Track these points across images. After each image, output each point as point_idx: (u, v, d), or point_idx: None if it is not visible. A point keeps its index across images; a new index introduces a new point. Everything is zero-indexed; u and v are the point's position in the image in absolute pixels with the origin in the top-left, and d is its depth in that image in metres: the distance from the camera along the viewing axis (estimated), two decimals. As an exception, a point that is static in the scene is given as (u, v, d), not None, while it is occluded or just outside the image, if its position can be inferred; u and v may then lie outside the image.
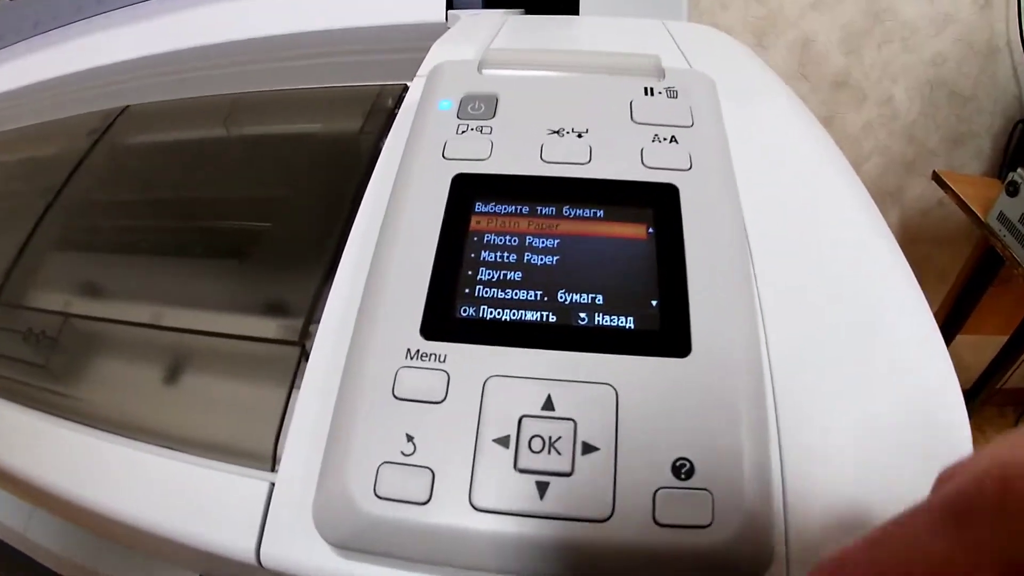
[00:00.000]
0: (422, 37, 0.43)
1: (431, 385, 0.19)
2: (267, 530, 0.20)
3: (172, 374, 0.22)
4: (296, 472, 0.20)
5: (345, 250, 0.24)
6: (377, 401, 0.19)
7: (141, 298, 0.24)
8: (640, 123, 0.24)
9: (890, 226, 0.24)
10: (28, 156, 0.34)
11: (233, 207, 0.27)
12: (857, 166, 0.82)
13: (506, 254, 0.21)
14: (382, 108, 0.29)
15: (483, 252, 0.21)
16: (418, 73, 0.30)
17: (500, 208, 0.22)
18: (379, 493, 0.17)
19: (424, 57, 0.32)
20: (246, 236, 0.26)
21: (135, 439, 0.22)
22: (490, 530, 0.17)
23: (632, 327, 0.19)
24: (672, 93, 0.25)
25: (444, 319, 0.20)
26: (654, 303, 0.19)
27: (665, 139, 0.23)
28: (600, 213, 0.21)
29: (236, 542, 0.20)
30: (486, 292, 0.20)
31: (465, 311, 0.20)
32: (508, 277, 0.20)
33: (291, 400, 0.22)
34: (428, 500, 0.17)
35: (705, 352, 0.19)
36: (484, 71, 0.26)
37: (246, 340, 0.23)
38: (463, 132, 0.24)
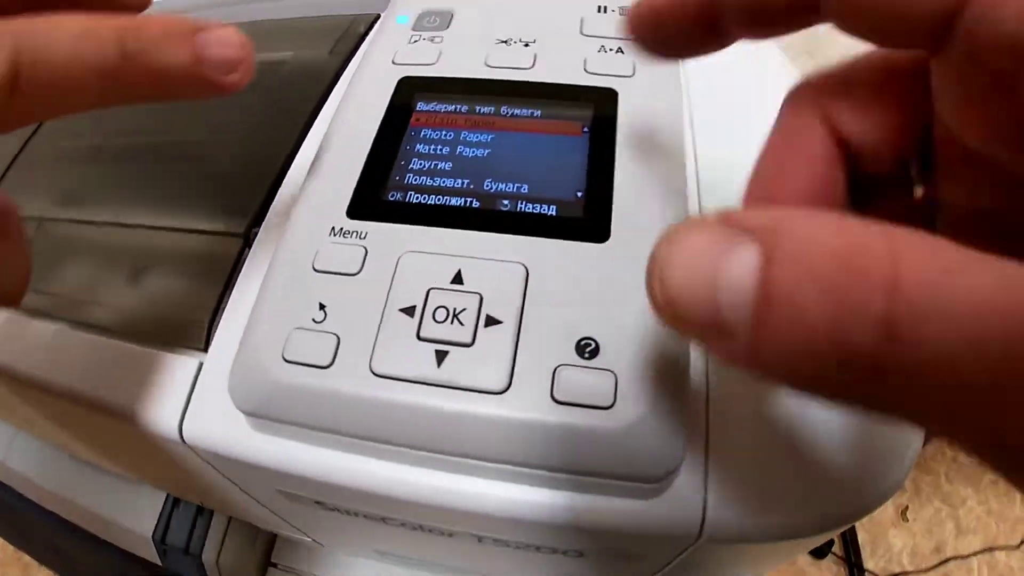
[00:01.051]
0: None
1: (349, 258, 0.19)
2: (191, 407, 0.20)
3: (128, 263, 0.23)
4: (225, 352, 0.20)
5: (299, 152, 0.25)
6: (297, 273, 0.19)
7: (104, 198, 0.26)
8: (588, 35, 0.24)
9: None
10: None
11: (196, 121, 0.28)
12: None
13: (439, 147, 0.21)
14: (354, 33, 0.30)
15: (418, 145, 0.21)
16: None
17: (440, 107, 0.22)
18: (286, 356, 0.18)
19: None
20: (207, 147, 0.27)
21: (81, 322, 0.23)
22: (385, 396, 0.17)
23: (553, 214, 0.19)
24: (624, 11, 0.25)
25: (370, 201, 0.20)
26: (579, 194, 0.19)
27: (611, 50, 0.23)
28: (537, 113, 0.21)
29: (161, 417, 0.20)
30: (415, 180, 0.20)
31: (392, 196, 0.20)
32: (438, 167, 0.20)
33: (230, 286, 0.22)
34: (331, 364, 0.17)
35: (624, 239, 0.18)
36: (445, -10, 0.26)
37: (195, 233, 0.23)
38: (415, 42, 0.24)
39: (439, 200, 0.20)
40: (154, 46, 0.14)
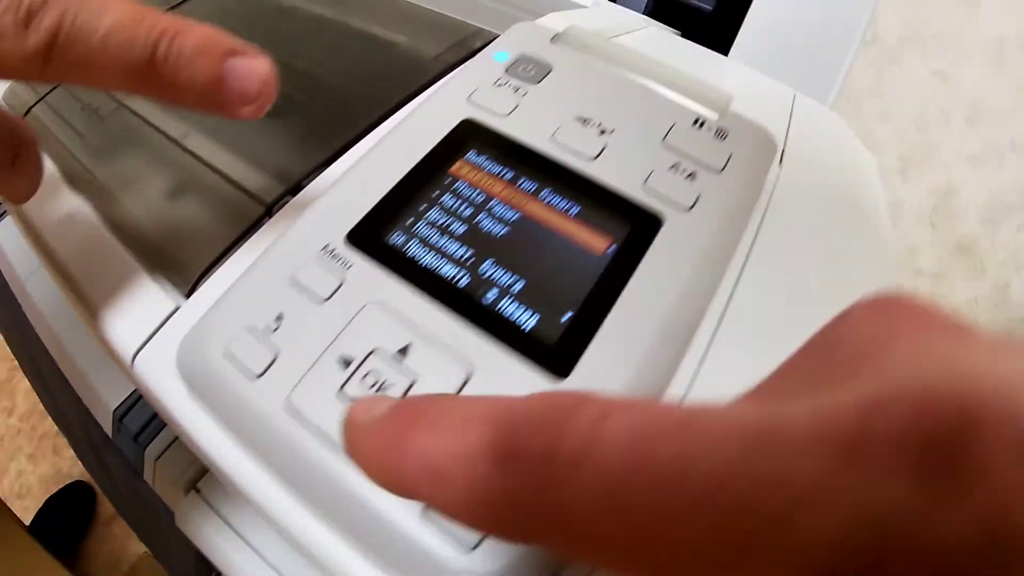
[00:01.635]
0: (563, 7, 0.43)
1: (324, 283, 0.19)
2: (151, 342, 0.21)
3: (165, 182, 0.25)
4: (202, 306, 0.21)
5: (354, 146, 0.25)
6: (276, 274, 0.19)
7: (179, 114, 0.27)
8: (669, 146, 0.22)
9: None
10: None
11: (292, 73, 0.28)
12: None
13: (464, 206, 0.20)
14: (466, 45, 0.29)
15: (445, 195, 0.21)
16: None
17: (486, 164, 0.21)
18: (228, 349, 0.18)
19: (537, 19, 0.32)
20: (287, 100, 0.27)
21: (101, 210, 0.24)
22: (286, 430, 0.17)
23: (528, 327, 0.18)
24: (721, 134, 0.23)
25: (371, 234, 0.20)
26: (566, 316, 0.18)
27: (683, 171, 0.21)
28: (573, 211, 0.20)
29: (122, 338, 0.21)
30: (424, 230, 0.20)
31: (394, 238, 0.20)
32: (451, 226, 0.20)
33: (234, 247, 0.23)
34: (259, 376, 0.18)
35: (583, 381, 0.17)
36: (556, 43, 0.25)
37: (229, 182, 0.24)
38: (499, 85, 0.23)
39: (433, 261, 0.19)
40: (184, 59, 0.14)
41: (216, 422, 0.19)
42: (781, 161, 0.28)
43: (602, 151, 0.22)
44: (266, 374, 0.18)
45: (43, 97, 0.29)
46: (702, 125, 0.23)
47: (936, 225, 0.94)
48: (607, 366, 0.17)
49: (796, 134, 0.31)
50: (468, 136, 0.22)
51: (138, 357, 0.21)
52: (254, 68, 0.15)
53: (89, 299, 0.22)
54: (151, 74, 0.14)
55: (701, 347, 0.20)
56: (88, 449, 0.43)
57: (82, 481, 0.97)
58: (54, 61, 0.13)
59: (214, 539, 0.25)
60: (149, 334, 0.21)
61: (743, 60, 0.45)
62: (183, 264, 0.22)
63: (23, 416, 1.07)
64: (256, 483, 0.18)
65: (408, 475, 0.10)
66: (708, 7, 0.48)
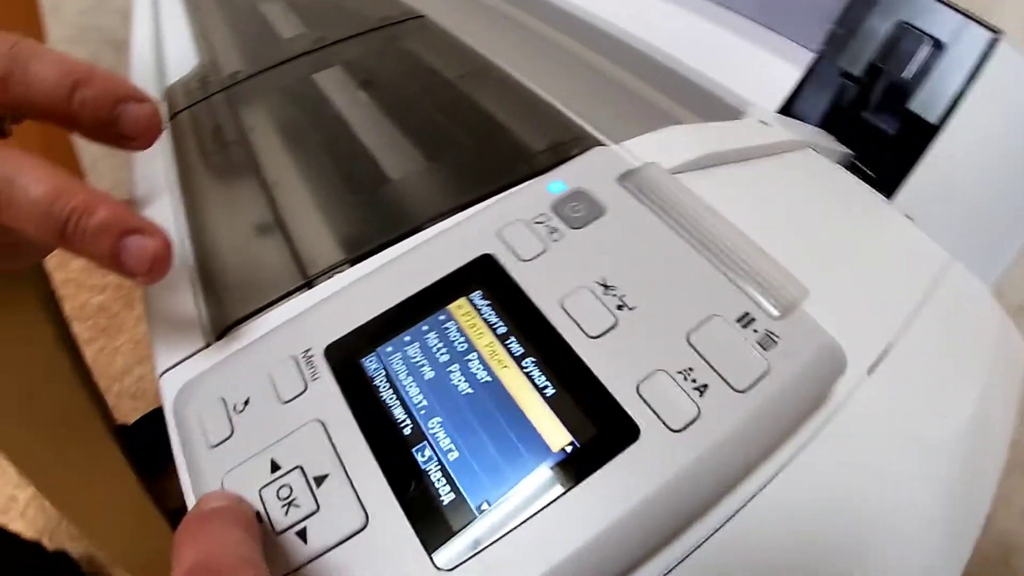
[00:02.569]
0: (712, 113, 0.39)
1: (289, 386, 0.20)
2: (176, 369, 0.24)
3: (243, 222, 0.28)
4: (218, 355, 0.24)
5: (401, 242, 0.25)
6: (259, 362, 0.21)
7: (283, 158, 0.30)
8: (692, 345, 0.19)
9: None
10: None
11: (394, 142, 0.30)
12: None
13: (444, 351, 0.20)
14: (565, 151, 0.28)
15: (431, 333, 0.20)
16: (624, 143, 0.28)
17: (486, 310, 0.21)
18: (200, 412, 0.20)
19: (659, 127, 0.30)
20: (373, 171, 0.29)
21: (194, 235, 0.28)
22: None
23: (440, 504, 0.17)
24: (767, 341, 0.19)
25: (346, 354, 0.20)
26: (480, 507, 0.17)
27: (693, 382, 0.19)
28: (548, 391, 0.19)
29: (160, 352, 0.25)
30: (395, 364, 0.20)
31: (366, 362, 0.20)
32: (422, 369, 0.20)
33: (268, 308, 0.25)
34: (212, 447, 0.19)
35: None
36: (623, 181, 0.23)
37: (289, 246, 0.26)
38: (536, 223, 0.22)
39: (388, 399, 0.19)
40: (88, 236, 0.18)
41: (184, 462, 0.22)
42: (874, 369, 0.23)
43: (609, 330, 0.20)
44: (218, 447, 0.19)
45: (190, 106, 0.34)
46: (748, 324, 0.20)
47: None
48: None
49: (922, 326, 0.25)
50: (480, 274, 0.21)
51: (163, 378, 0.24)
52: (145, 248, 0.19)
53: (150, 304, 0.26)
54: (63, 242, 0.19)
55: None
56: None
57: (192, 400, 1.10)
58: None
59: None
60: (176, 361, 0.24)
61: (912, 203, 0.38)
62: (224, 307, 0.25)
63: None
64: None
65: None
66: (889, 130, 0.41)
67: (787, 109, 0.45)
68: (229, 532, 0.16)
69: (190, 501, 0.21)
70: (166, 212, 0.30)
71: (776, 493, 0.19)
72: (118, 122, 0.20)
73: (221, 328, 0.25)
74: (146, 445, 0.94)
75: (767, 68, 0.44)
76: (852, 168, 0.42)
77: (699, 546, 0.19)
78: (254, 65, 0.35)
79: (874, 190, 0.37)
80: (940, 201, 0.39)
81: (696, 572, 0.18)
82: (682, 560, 0.18)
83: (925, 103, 0.42)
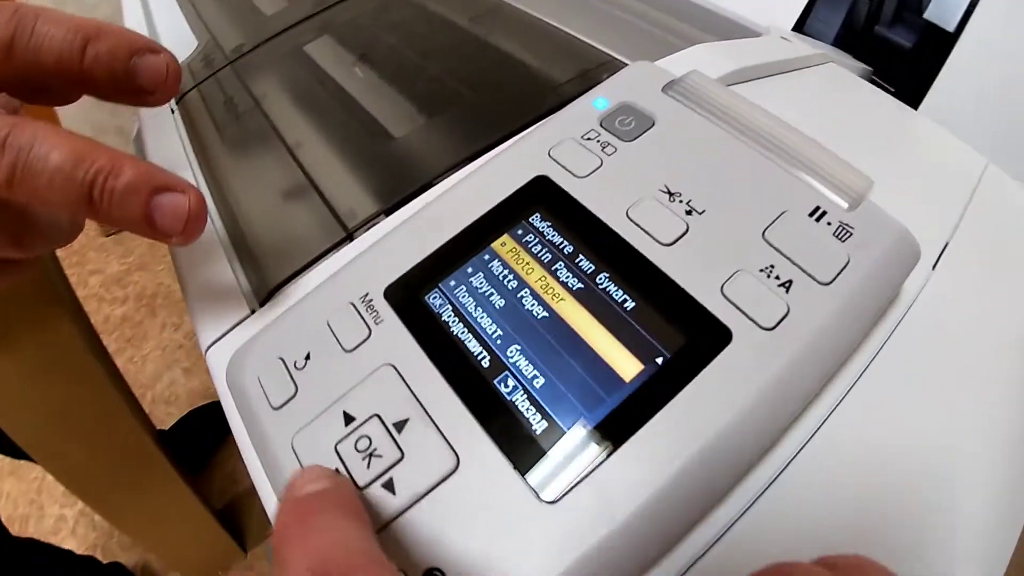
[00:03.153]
0: (730, 35, 0.38)
1: (353, 333, 0.19)
2: (223, 340, 0.23)
3: (271, 189, 0.27)
4: (266, 320, 0.23)
5: (444, 179, 0.24)
6: (315, 315, 0.20)
7: (302, 120, 0.29)
8: (769, 242, 0.18)
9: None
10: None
11: (416, 87, 0.29)
12: None
13: (511, 278, 0.19)
14: (594, 77, 0.27)
15: (494, 261, 0.19)
16: (657, 63, 0.27)
17: (549, 231, 0.19)
18: (260, 376, 0.19)
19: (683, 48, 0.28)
20: (403, 115, 0.28)
21: (221, 209, 0.27)
22: (283, 465, 0.17)
23: (532, 433, 0.16)
24: (843, 232, 0.18)
25: (408, 293, 0.19)
26: (577, 432, 0.16)
27: (776, 278, 0.18)
28: (628, 305, 0.18)
29: (203, 331, 0.24)
30: (461, 298, 0.19)
31: (430, 298, 0.19)
32: (491, 299, 0.19)
33: (311, 266, 0.24)
34: (278, 408, 0.18)
35: (566, 513, 0.15)
36: (669, 91, 0.22)
37: (325, 202, 0.25)
38: (587, 139, 0.21)
39: (461, 334, 0.18)
40: (116, 198, 0.17)
41: (245, 432, 0.21)
42: (936, 264, 0.22)
43: (681, 236, 0.19)
44: (283, 408, 0.18)
45: (198, 84, 0.33)
46: (820, 217, 0.19)
47: None
48: (598, 505, 0.15)
49: (971, 225, 0.24)
50: (538, 196, 0.20)
51: (210, 351, 0.23)
52: (178, 205, 0.17)
53: (186, 282, 0.25)
54: (90, 208, 0.17)
55: (740, 503, 0.16)
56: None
57: (222, 401, 1.10)
58: (14, 191, 0.16)
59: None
60: (222, 332, 0.23)
61: (938, 112, 0.37)
62: (265, 272, 0.24)
63: (188, 334, 1.23)
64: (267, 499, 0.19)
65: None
66: (907, 43, 0.40)
67: (799, 29, 0.43)
68: (340, 524, 0.14)
69: (256, 474, 0.20)
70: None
71: (860, 396, 0.19)
72: (135, 75, 0.19)
73: (265, 292, 0.24)
74: (185, 447, 0.94)
75: (778, -13, 0.42)
76: (872, 84, 0.41)
77: (799, 451, 0.18)
78: (258, 37, 0.34)
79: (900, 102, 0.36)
80: (966, 109, 0.37)
81: (799, 479, 0.17)
82: (785, 467, 0.17)
83: (941, 12, 0.41)
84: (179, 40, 0.40)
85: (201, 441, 0.97)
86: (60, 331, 0.33)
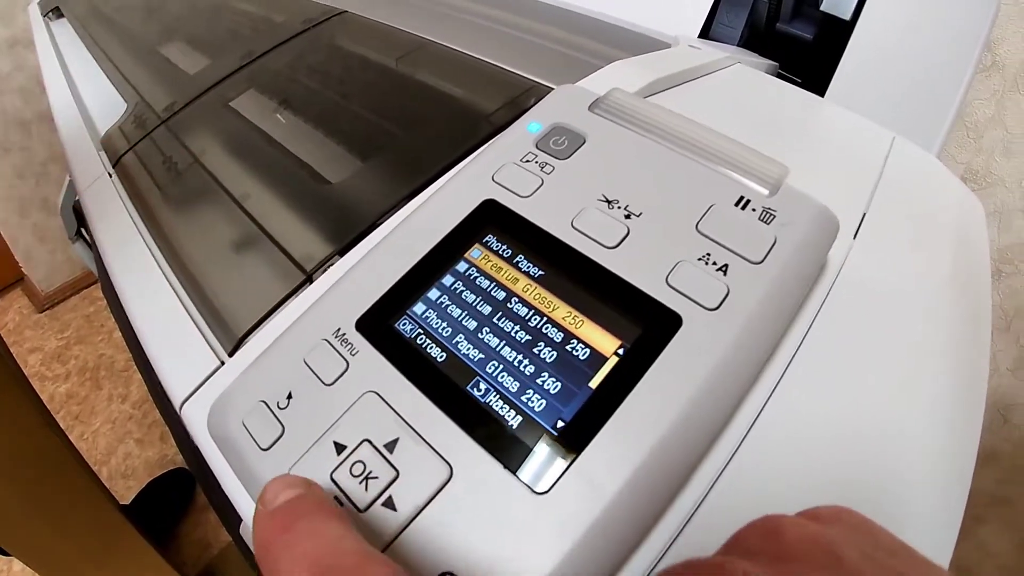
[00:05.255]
0: (642, 49, 0.41)
1: (331, 367, 0.20)
2: (196, 394, 0.24)
3: (223, 241, 0.27)
4: (239, 368, 0.23)
5: (395, 213, 0.26)
6: (291, 354, 0.20)
7: (243, 172, 0.29)
8: (702, 233, 0.20)
9: None
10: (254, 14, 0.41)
11: (350, 128, 0.30)
12: None
13: (474, 296, 0.20)
14: (522, 103, 0.29)
15: (457, 283, 0.21)
16: (578, 83, 0.29)
17: (503, 250, 0.21)
18: (244, 421, 0.20)
19: (601, 67, 0.31)
20: (341, 159, 0.29)
21: (169, 266, 0.27)
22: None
23: (513, 427, 0.17)
24: (767, 216, 0.20)
25: (378, 322, 0.20)
26: (559, 423, 0.18)
27: (714, 263, 0.20)
28: (584, 306, 0.19)
29: (174, 388, 0.24)
30: (431, 320, 0.20)
31: (401, 325, 0.20)
32: (458, 318, 0.20)
33: (275, 312, 0.24)
34: (267, 449, 0.19)
35: (559, 501, 0.16)
36: (595, 109, 0.24)
37: (280, 249, 0.26)
38: (526, 161, 0.23)
39: (434, 352, 0.19)
40: None
41: (237, 480, 0.21)
42: (857, 233, 0.25)
43: (624, 238, 0.20)
44: (272, 448, 0.19)
45: (132, 146, 0.33)
46: (745, 205, 0.21)
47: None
48: (589, 486, 0.16)
49: (885, 194, 0.27)
50: (488, 218, 0.22)
51: (185, 407, 0.23)
52: None
53: (149, 344, 0.25)
54: None
55: (711, 471, 0.18)
56: (180, 436, 0.48)
57: (184, 468, 1.02)
58: None
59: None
60: (195, 387, 0.24)
61: (844, 96, 0.41)
62: (230, 323, 0.24)
63: (136, 403, 1.19)
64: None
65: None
66: (807, 36, 0.44)
67: (705, 36, 0.47)
68: (325, 526, 0.14)
69: (250, 518, 0.20)
70: (144, 258, 0.29)
71: (805, 359, 0.21)
72: None
73: (234, 342, 0.24)
74: (150, 519, 0.89)
75: (679, 2, 0.46)
76: (779, 78, 0.44)
77: (760, 412, 0.20)
78: (187, 95, 0.34)
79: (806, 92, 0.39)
80: (869, 90, 0.41)
81: (759, 445, 0.19)
82: (749, 429, 0.19)
83: (836, 2, 0.45)
84: (107, 103, 0.40)
85: (165, 511, 0.93)
86: (17, 411, 0.32)
